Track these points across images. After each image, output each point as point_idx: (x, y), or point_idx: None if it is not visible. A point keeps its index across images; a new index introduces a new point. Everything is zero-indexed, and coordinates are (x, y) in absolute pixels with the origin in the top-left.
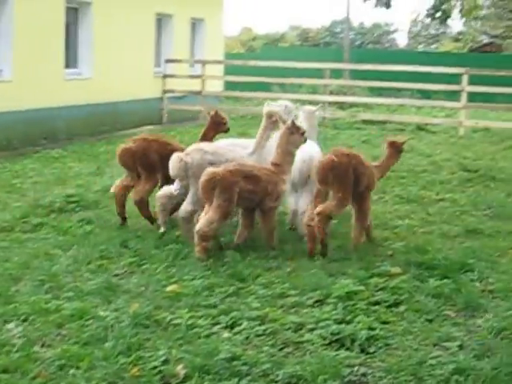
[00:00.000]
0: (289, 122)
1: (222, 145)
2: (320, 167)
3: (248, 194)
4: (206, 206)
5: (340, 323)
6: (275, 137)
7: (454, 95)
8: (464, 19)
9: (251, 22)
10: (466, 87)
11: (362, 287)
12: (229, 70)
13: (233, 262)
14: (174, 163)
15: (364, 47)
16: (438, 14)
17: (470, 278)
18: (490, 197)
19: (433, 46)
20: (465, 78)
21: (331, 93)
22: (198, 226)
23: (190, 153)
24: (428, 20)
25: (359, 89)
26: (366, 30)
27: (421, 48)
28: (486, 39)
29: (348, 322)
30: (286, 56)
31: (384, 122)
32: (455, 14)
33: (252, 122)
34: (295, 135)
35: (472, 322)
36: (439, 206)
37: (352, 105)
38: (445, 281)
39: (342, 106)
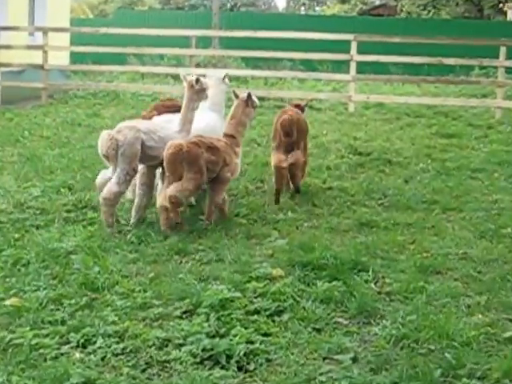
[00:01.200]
0: (244, 94)
1: (156, 122)
2: (286, 122)
3: (211, 166)
4: (167, 181)
5: (213, 337)
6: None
7: (341, 66)
8: None
9: None
10: (355, 56)
11: (238, 293)
12: (76, 40)
13: (84, 269)
14: (103, 141)
15: (236, 11)
16: None
17: (364, 278)
18: (385, 184)
19: (317, 9)
20: (354, 46)
21: (198, 65)
22: (169, 192)
23: (122, 130)
24: None
25: (231, 60)
26: None
27: (303, 11)
28: (377, 0)
29: (222, 336)
30: (144, 22)
31: (261, 99)
32: None
33: (105, 101)
34: (249, 108)
35: (367, 330)
36: (327, 196)
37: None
38: (335, 283)
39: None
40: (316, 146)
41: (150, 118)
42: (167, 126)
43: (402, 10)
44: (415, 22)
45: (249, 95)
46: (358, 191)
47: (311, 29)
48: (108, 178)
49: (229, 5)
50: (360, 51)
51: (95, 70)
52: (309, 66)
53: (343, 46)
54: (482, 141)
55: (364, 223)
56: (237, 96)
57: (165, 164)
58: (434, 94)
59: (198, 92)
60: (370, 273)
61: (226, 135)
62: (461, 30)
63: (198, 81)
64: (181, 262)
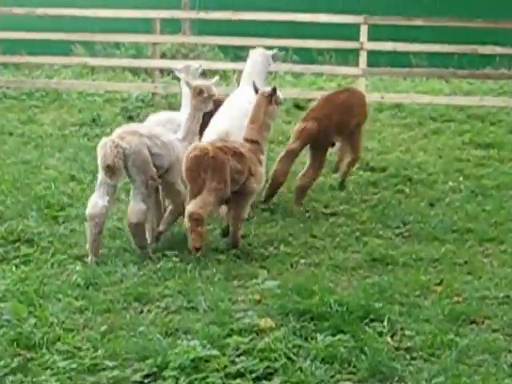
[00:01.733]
0: (267, 89)
1: (155, 124)
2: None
3: (237, 175)
4: (190, 192)
5: None
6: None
7: (348, 56)
8: None
9: None
10: (366, 44)
11: (215, 351)
12: (6, 23)
13: (16, 320)
14: (107, 149)
15: None
16: None
17: (378, 330)
18: (404, 208)
19: None
20: (364, 30)
21: (164, 55)
22: (189, 209)
23: (124, 136)
24: None
25: (206, 49)
26: None
27: None
28: None
29: None
30: (94, 0)
31: None
32: None
33: (44, 102)
34: (273, 105)
35: None
36: (330, 224)
37: None
38: (340, 337)
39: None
40: None
41: None
42: (167, 129)
43: None
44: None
45: (273, 90)
46: (370, 218)
47: (309, 9)
48: (102, 206)
49: None
50: (372, 37)
51: (31, 63)
52: (306, 56)
53: (350, 31)
54: None
55: (377, 259)
56: (257, 90)
57: (185, 169)
58: (467, 92)
59: (206, 100)
60: (386, 323)
61: (247, 141)
62: (502, 9)
63: (203, 89)
64: (141, 310)
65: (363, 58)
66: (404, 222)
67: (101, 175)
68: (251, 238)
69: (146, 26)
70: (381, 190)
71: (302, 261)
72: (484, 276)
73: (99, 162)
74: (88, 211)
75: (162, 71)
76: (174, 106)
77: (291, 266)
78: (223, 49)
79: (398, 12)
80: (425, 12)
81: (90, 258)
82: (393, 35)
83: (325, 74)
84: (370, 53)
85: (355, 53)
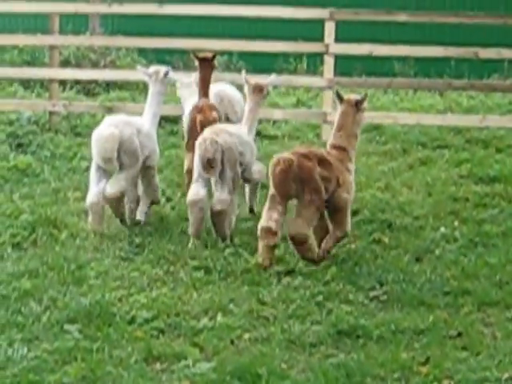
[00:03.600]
0: (352, 96)
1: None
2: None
3: (324, 183)
4: (271, 201)
5: None
6: None
7: (310, 63)
8: None
9: None
10: (333, 46)
11: None
12: None
13: None
14: (208, 146)
15: None
16: None
17: None
18: (381, 263)
19: None
20: (330, 29)
21: (66, 62)
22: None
23: (219, 134)
24: None
25: (123, 53)
26: None
27: None
28: None
29: None
30: None
31: (174, 120)
32: None
33: None
34: (360, 113)
35: None
36: (283, 286)
37: (108, 85)
38: None
39: (87, 88)
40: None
41: None
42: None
43: None
44: None
45: (364, 98)
46: (337, 277)
47: (258, 1)
48: (203, 194)
49: None
50: (341, 38)
51: None
52: (255, 63)
53: (313, 30)
54: None
55: (345, 331)
56: (341, 99)
57: (272, 183)
58: (466, 110)
59: (264, 97)
60: None
61: (335, 147)
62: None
63: (263, 87)
64: None
65: (329, 64)
66: (381, 281)
67: (198, 169)
68: (179, 306)
69: (41, 23)
70: (351, 239)
71: (246, 335)
72: (484, 352)
73: (199, 157)
74: (190, 198)
75: (62, 84)
76: (77, 129)
77: (231, 342)
78: (145, 53)
79: (376, 4)
80: (410, 4)
81: (191, 241)
82: (369, 35)
83: (279, 86)
84: (339, 58)
85: (319, 58)
